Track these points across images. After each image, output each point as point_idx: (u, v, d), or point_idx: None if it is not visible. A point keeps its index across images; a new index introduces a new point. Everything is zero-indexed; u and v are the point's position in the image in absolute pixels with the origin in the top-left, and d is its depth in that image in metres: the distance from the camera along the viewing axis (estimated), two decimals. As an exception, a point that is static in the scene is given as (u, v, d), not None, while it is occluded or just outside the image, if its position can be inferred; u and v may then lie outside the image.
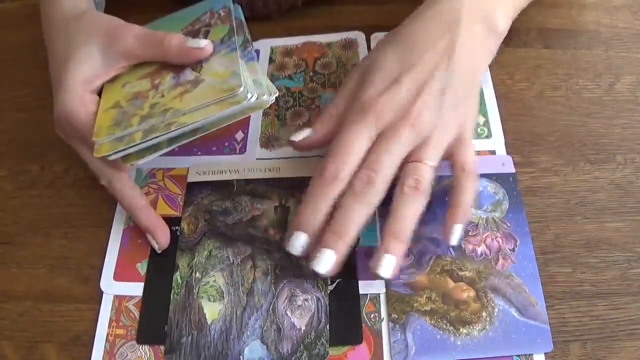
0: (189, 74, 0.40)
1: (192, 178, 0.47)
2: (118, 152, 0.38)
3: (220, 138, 0.50)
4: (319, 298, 0.41)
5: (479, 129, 0.49)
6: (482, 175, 0.46)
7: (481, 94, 0.51)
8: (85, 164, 0.43)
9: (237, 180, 0.47)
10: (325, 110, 0.43)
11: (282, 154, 0.49)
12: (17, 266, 0.46)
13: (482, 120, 0.49)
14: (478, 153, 0.47)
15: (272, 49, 0.56)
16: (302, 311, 0.40)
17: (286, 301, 0.41)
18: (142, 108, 0.39)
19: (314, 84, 0.53)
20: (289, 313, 0.41)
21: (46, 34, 0.45)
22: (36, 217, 0.48)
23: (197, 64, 0.40)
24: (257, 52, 0.55)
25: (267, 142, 0.50)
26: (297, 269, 0.42)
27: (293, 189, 0.46)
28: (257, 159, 0.49)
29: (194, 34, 0.43)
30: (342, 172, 0.38)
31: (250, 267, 0.43)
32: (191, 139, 0.38)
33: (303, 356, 0.39)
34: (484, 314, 0.40)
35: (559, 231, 0.43)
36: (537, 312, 0.40)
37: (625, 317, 0.39)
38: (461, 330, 0.39)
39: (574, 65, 0.52)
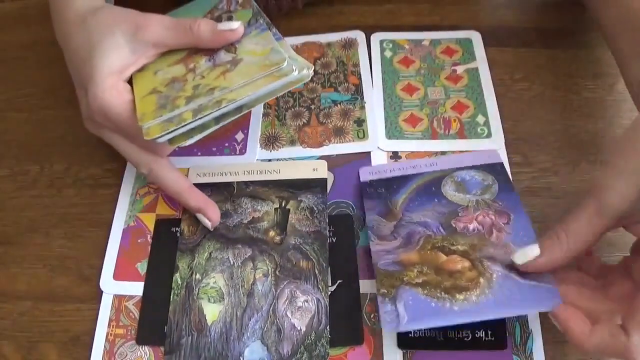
0: (224, 55, 0.41)
1: (192, 179, 0.47)
2: (169, 132, 0.38)
3: (221, 138, 0.50)
4: (319, 299, 0.41)
5: (479, 129, 0.49)
6: (470, 168, 0.46)
7: (481, 94, 0.51)
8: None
9: (237, 182, 0.47)
10: (551, 236, 0.36)
11: (282, 155, 0.49)
12: (17, 266, 0.46)
13: (482, 120, 0.49)
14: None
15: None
16: (302, 312, 0.41)
17: (286, 302, 0.41)
18: (185, 90, 0.40)
19: (314, 84, 0.53)
20: (289, 314, 0.41)
21: (60, 33, 0.45)
22: (36, 217, 0.48)
23: (230, 46, 0.42)
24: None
25: (268, 142, 0.50)
26: (297, 271, 0.42)
27: (293, 191, 0.46)
28: (257, 159, 0.49)
29: (217, 21, 0.44)
30: None
31: (251, 268, 0.43)
32: (236, 116, 0.39)
33: (303, 357, 0.39)
34: (481, 279, 0.38)
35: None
36: (540, 274, 0.37)
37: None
38: (457, 296, 0.37)
39: (574, 65, 0.52)
